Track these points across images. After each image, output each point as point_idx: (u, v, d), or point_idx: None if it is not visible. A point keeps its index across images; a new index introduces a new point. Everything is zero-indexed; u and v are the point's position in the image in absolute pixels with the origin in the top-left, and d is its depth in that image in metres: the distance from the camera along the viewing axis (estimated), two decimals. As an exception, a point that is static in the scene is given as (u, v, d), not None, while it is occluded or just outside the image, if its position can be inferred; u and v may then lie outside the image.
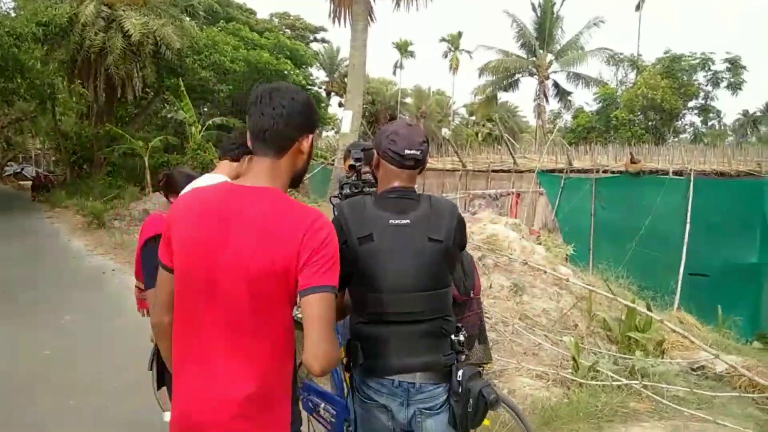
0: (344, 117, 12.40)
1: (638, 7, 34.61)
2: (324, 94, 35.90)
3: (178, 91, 18.82)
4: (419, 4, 14.38)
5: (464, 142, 28.26)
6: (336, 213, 2.04)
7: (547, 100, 34.11)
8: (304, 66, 26.89)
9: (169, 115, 22.61)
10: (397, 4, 14.34)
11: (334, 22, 14.46)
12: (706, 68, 25.61)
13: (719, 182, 9.70)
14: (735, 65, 25.03)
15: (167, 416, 1.94)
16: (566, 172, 11.79)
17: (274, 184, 1.58)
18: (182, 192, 3.45)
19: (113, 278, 8.81)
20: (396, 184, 1.97)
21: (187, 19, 20.72)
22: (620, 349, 5.35)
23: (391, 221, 1.89)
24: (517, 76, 34.32)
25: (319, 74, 36.82)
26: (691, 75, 25.85)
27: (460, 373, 1.91)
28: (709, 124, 30.99)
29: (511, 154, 13.53)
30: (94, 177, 20.48)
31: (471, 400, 1.88)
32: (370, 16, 13.32)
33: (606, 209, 10.61)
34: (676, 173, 10.05)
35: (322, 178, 17.32)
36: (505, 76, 33.71)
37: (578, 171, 11.73)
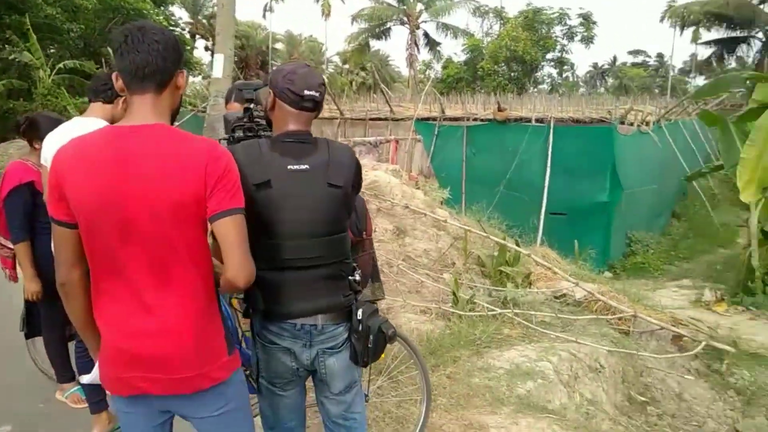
0: (216, 60, 11.70)
1: (502, -40, 35.71)
2: (188, 36, 33.56)
3: (23, 30, 16.68)
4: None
5: (338, 90, 28.03)
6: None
7: (418, 50, 34.67)
8: (164, 4, 24.82)
9: (11, 57, 19.99)
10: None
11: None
12: (563, 22, 27.29)
13: (575, 128, 10.53)
14: (587, 20, 26.90)
15: (85, 378, 1.96)
16: (440, 120, 12.17)
17: (161, 120, 1.60)
18: (48, 136, 3.14)
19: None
20: (293, 127, 1.92)
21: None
22: (493, 282, 5.76)
23: (289, 167, 1.84)
24: (389, 24, 34.40)
25: (181, 14, 34.29)
26: (550, 28, 27.43)
27: (359, 311, 1.95)
28: (564, 75, 33.28)
29: (387, 102, 13.69)
30: None
31: (371, 336, 1.93)
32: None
33: (477, 155, 11.16)
34: (538, 120, 10.75)
35: (192, 127, 16.43)
36: (377, 24, 33.67)
37: (451, 119, 12.16)
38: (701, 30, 26.39)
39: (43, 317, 3.45)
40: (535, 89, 29.67)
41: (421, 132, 12.50)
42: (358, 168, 1.99)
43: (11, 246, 3.35)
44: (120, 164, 1.51)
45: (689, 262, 10.86)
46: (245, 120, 2.40)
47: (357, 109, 15.49)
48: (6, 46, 20.72)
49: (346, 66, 48.33)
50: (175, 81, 1.64)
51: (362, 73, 44.11)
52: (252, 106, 2.42)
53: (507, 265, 5.78)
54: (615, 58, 51.29)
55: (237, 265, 1.59)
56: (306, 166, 1.86)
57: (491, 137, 11.19)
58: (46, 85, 16.59)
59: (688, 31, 27.78)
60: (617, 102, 13.18)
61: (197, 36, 36.83)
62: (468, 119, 11.76)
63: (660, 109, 13.71)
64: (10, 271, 3.54)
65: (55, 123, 3.26)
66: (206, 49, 40.99)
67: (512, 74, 28.54)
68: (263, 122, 2.30)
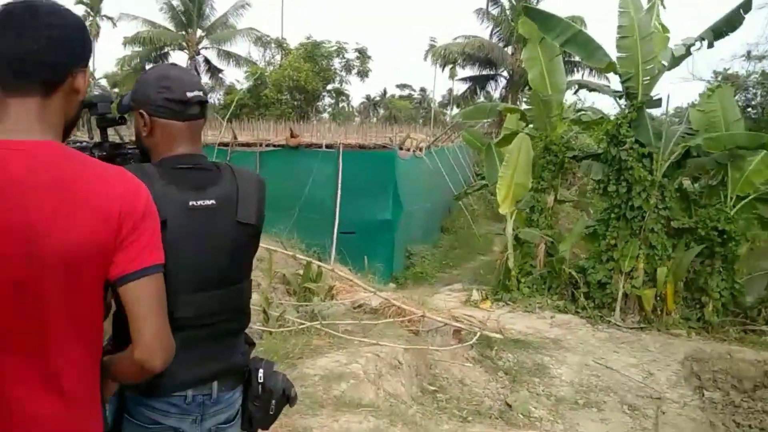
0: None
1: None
2: None
3: None
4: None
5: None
6: None
7: (199, 75, 33.66)
8: None
9: None
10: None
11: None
12: (341, 55, 29.07)
13: (361, 153, 11.44)
14: (363, 54, 29.08)
15: None
16: (232, 145, 12.24)
17: (49, 136, 1.13)
18: None
19: None
20: (183, 148, 1.51)
21: None
22: (299, 298, 6.12)
23: (191, 202, 1.45)
24: (167, 49, 33.06)
25: None
26: (329, 61, 29.00)
27: (260, 372, 1.61)
28: (340, 105, 35.20)
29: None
30: None
31: (273, 401, 1.62)
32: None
33: (271, 180, 11.38)
34: (328, 146, 11.46)
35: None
36: (153, 48, 32.11)
37: (243, 145, 12.30)
38: (457, 68, 30.18)
39: None
40: (317, 118, 30.99)
41: (215, 157, 12.32)
42: (264, 200, 1.61)
43: None
44: None
45: (458, 269, 12.36)
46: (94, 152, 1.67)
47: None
48: None
49: (116, 90, 45.05)
50: (72, 82, 1.18)
51: (135, 98, 41.32)
52: (113, 124, 1.76)
53: (311, 281, 6.19)
54: (385, 91, 55.64)
55: (152, 340, 1.19)
56: (211, 201, 1.48)
57: (284, 162, 11.57)
58: None
59: (442, 68, 31.49)
60: (388, 130, 14.58)
61: None
62: (260, 144, 12.03)
63: (430, 136, 15.48)
64: None
65: None
66: None
67: (295, 102, 29.43)
68: (128, 150, 1.71)
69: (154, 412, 1.47)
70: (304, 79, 27.74)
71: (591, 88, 8.83)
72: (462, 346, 6.06)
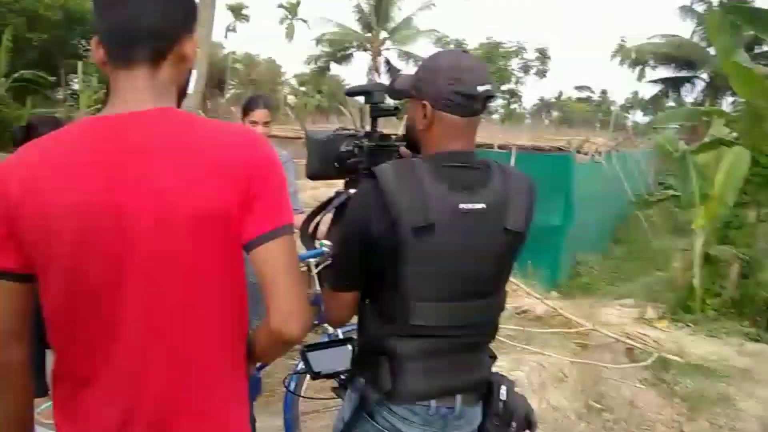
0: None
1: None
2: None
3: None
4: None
5: (301, 110, 28.21)
6: (371, 183, 1.37)
7: (378, 76, 35.30)
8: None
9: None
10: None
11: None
12: (520, 56, 28.55)
13: (535, 156, 11.12)
14: (543, 55, 28.26)
15: None
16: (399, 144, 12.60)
17: (163, 103, 1.07)
18: None
19: None
20: (456, 145, 1.41)
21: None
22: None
23: (461, 205, 1.34)
24: (352, 50, 34.95)
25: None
26: (507, 61, 28.62)
27: (503, 389, 1.53)
28: (511, 107, 34.48)
29: (354, 123, 14.02)
30: None
31: (514, 424, 1.52)
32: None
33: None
34: (500, 147, 11.31)
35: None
36: (339, 48, 34.15)
37: None
38: (647, 69, 27.99)
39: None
40: (485, 118, 30.71)
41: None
42: (534, 205, 1.47)
43: None
44: (110, 169, 1.01)
45: (630, 283, 11.48)
46: (366, 141, 1.64)
47: (322, 128, 15.69)
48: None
49: (303, 88, 48.64)
50: (180, 50, 1.10)
51: (318, 96, 44.50)
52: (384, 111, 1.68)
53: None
54: (561, 93, 53.41)
55: (288, 305, 1.08)
56: (482, 205, 1.36)
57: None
58: (-1, 95, 16.17)
59: (632, 69, 29.35)
60: (562, 133, 13.96)
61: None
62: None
63: (610, 141, 14.56)
64: None
65: (58, 124, 3.11)
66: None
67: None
68: (394, 143, 1.67)
69: (395, 418, 1.43)
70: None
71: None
72: (635, 366, 5.64)
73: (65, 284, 1.03)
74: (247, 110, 3.44)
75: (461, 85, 1.35)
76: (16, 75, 16.71)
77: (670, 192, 9.98)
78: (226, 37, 49.52)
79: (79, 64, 17.87)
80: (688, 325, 7.17)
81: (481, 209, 1.35)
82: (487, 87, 1.38)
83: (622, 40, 32.77)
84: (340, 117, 19.51)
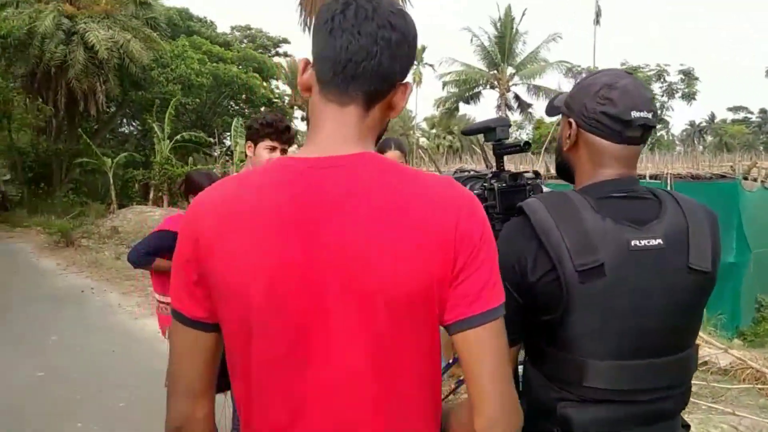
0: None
1: (596, 21, 35.91)
2: (288, 107, 35.66)
3: (144, 105, 18.44)
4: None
5: (434, 153, 28.59)
6: (520, 222, 1.22)
7: (510, 112, 34.88)
8: (270, 79, 26.73)
9: (125, 131, 22.16)
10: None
11: (304, 30, 14.42)
12: (662, 79, 26.68)
13: (696, 184, 10.05)
14: (689, 76, 26.16)
15: None
16: (545, 178, 12.06)
17: (366, 148, 0.96)
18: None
19: (93, 296, 8.49)
20: (610, 173, 1.23)
21: (149, 31, 20.37)
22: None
23: (633, 242, 1.14)
24: (479, 88, 35.00)
25: (283, 88, 36.57)
26: (648, 85, 26.91)
27: None
28: (658, 134, 32.18)
29: (486, 162, 13.72)
30: (54, 195, 19.77)
31: None
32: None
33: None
34: (652, 177, 10.38)
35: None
36: (467, 88, 34.35)
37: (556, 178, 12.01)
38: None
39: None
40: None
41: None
42: (719, 239, 1.24)
43: (168, 301, 3.53)
44: (311, 221, 0.88)
45: (827, 327, 9.88)
46: (493, 183, 1.52)
47: (455, 169, 15.59)
48: (123, 120, 22.94)
49: (434, 131, 49.35)
50: (392, 96, 0.98)
51: (449, 137, 44.80)
52: (501, 150, 1.56)
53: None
54: (713, 115, 49.13)
55: (495, 415, 0.91)
56: (658, 241, 1.15)
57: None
58: (164, 155, 17.97)
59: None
60: (721, 159, 12.58)
61: (295, 107, 38.99)
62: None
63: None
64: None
65: (209, 177, 3.48)
66: (302, 119, 43.27)
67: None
68: (527, 181, 1.54)
69: None
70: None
71: None
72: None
73: (241, 346, 0.93)
74: (379, 153, 3.33)
75: (613, 107, 1.20)
76: (178, 137, 18.51)
77: None
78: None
79: (232, 122, 19.54)
80: None
81: (657, 246, 1.14)
82: (645, 114, 1.20)
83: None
84: (474, 156, 19.30)
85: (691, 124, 49.16)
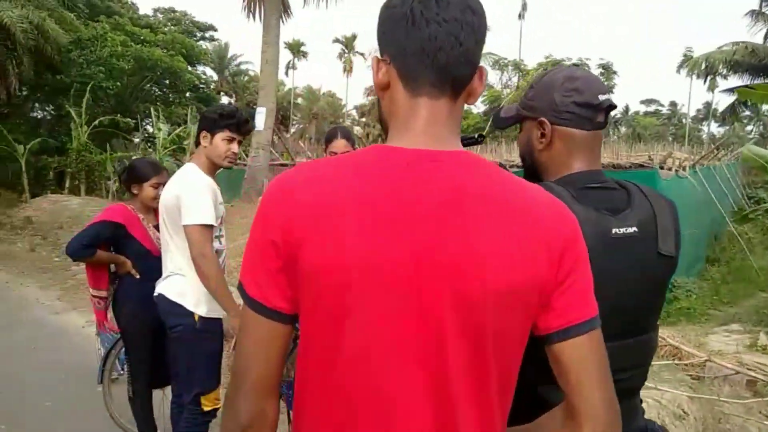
0: (258, 113, 12.09)
1: (521, 15, 36.91)
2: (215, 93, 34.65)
3: (59, 88, 17.35)
4: (329, 2, 14.28)
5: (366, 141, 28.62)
6: None
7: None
8: (197, 63, 25.76)
9: (37, 116, 20.78)
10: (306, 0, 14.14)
11: (248, 16, 14.03)
12: (582, 73, 27.91)
13: (617, 173, 10.55)
14: (608, 70, 27.45)
15: None
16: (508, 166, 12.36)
17: (458, 145, 0.93)
18: (151, 181, 3.21)
19: (8, 291, 7.98)
20: (581, 165, 1.29)
21: (65, 12, 19.13)
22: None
23: (614, 230, 1.20)
24: (410, 78, 35.32)
25: (210, 74, 35.44)
26: (570, 79, 28.05)
27: None
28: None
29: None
30: (-45, 184, 18.30)
31: None
32: (286, 12, 13.11)
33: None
34: (577, 166, 10.85)
35: (226, 179, 16.69)
36: (398, 78, 34.57)
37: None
38: (718, 79, 26.71)
39: (133, 364, 3.37)
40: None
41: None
42: (679, 227, 1.33)
43: (103, 295, 3.37)
44: (419, 216, 0.84)
45: (733, 307, 10.69)
46: None
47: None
48: (36, 104, 21.53)
49: (363, 119, 49.34)
50: (474, 81, 0.95)
51: (379, 126, 44.98)
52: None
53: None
54: (627, 107, 51.78)
55: (608, 413, 0.91)
56: (633, 229, 1.22)
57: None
58: (81, 142, 17.03)
59: (704, 80, 28.10)
60: (640, 149, 13.27)
61: (221, 93, 37.90)
62: (504, 167, 11.92)
63: (692, 155, 13.79)
64: (107, 324, 3.47)
65: (154, 166, 3.36)
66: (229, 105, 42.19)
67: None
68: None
69: None
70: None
71: None
72: (760, 400, 5.03)
73: (322, 339, 0.88)
74: (327, 142, 3.37)
75: (580, 96, 1.26)
76: (96, 123, 17.56)
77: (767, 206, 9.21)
78: (286, 74, 51.15)
79: (152, 108, 18.70)
80: (809, 351, 6.45)
81: (633, 234, 1.22)
82: (608, 96, 1.28)
83: (688, 51, 31.55)
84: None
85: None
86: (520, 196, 0.90)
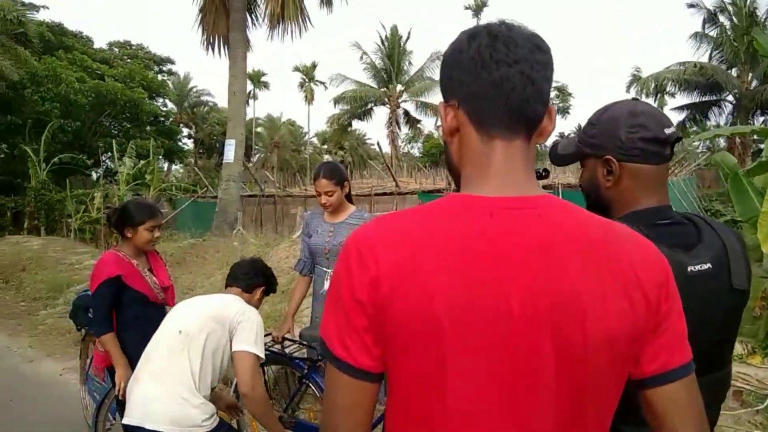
0: (227, 145, 11.99)
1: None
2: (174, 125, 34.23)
3: (13, 127, 16.87)
4: (294, 35, 14.35)
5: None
6: None
7: (399, 128, 35.75)
8: (158, 96, 25.45)
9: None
10: (270, 34, 14.19)
11: (207, 50, 13.95)
12: (539, 96, 28.69)
13: (568, 194, 10.86)
14: (563, 92, 28.28)
15: None
16: (445, 192, 12.48)
17: (538, 189, 0.91)
18: (146, 224, 3.10)
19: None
20: (650, 200, 1.27)
21: (19, 48, 18.70)
22: None
23: (690, 268, 1.18)
24: (370, 105, 35.62)
25: (170, 106, 35.00)
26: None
27: None
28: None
29: (393, 177, 14.02)
30: None
31: None
32: (247, 44, 13.13)
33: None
34: (545, 187, 11.09)
35: (192, 213, 16.39)
36: (358, 105, 34.84)
37: (437, 191, 12.56)
38: (667, 97, 27.79)
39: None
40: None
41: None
42: (748, 259, 1.30)
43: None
44: (508, 266, 0.82)
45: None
46: None
47: (358, 185, 15.75)
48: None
49: (325, 146, 49.47)
50: (545, 120, 0.93)
51: (341, 152, 45.11)
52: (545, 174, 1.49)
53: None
54: (580, 126, 53.32)
55: None
56: (708, 265, 1.20)
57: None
58: (40, 180, 16.54)
59: (653, 99, 29.17)
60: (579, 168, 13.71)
61: (181, 125, 37.46)
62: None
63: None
64: (107, 370, 3.33)
65: (149, 208, 3.25)
66: (189, 137, 41.67)
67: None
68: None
69: None
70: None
71: None
72: (748, 411, 5.15)
73: (436, 390, 0.83)
74: (313, 180, 3.37)
75: (647, 131, 1.24)
76: (55, 160, 17.09)
77: (725, 218, 9.56)
78: (248, 104, 50.95)
79: (114, 142, 18.30)
80: (786, 359, 6.65)
81: (708, 270, 1.19)
82: (673, 129, 1.26)
83: (636, 71, 32.83)
84: (366, 170, 19.56)
85: (561, 135, 53.08)
86: (611, 238, 0.87)
